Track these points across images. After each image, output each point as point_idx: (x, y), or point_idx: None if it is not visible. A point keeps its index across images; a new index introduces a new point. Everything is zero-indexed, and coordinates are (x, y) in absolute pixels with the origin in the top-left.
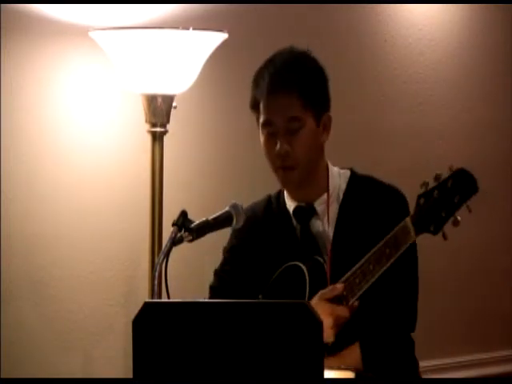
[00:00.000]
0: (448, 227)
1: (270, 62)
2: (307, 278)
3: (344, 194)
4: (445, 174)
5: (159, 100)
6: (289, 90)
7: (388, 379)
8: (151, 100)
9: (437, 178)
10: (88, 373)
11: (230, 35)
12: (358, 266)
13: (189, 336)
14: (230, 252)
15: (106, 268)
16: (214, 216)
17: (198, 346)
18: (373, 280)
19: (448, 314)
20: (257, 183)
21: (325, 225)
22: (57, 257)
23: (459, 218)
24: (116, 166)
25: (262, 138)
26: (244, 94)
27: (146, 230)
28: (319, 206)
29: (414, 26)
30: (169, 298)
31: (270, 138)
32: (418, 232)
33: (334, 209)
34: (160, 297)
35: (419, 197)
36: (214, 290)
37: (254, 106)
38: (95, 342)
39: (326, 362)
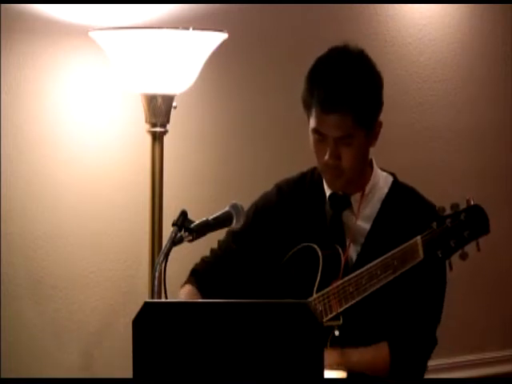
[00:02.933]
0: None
1: (325, 68)
2: (321, 264)
3: (386, 196)
4: (462, 204)
5: (159, 100)
6: (343, 111)
7: (387, 379)
8: (151, 100)
9: (453, 206)
10: (88, 373)
11: (229, 35)
12: (366, 268)
13: (189, 336)
14: (253, 216)
15: (106, 268)
16: (214, 216)
17: (197, 345)
18: (377, 286)
19: (448, 314)
20: (257, 183)
21: (355, 219)
22: (57, 257)
23: (468, 252)
24: (116, 166)
25: (311, 138)
26: (244, 94)
27: (146, 230)
28: (354, 200)
29: (414, 26)
30: (166, 297)
31: (320, 144)
32: (426, 253)
33: (373, 207)
34: (160, 297)
35: (433, 220)
36: (217, 256)
37: (306, 107)
38: (95, 342)
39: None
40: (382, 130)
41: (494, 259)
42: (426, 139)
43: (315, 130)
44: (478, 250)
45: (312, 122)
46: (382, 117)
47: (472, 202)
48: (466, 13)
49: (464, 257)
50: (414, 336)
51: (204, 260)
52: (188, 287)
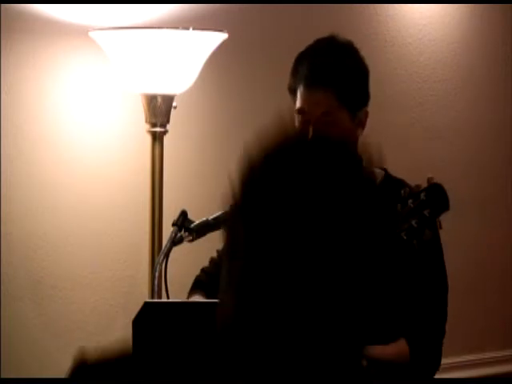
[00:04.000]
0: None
1: (310, 51)
2: None
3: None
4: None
5: (159, 100)
6: (325, 86)
7: (388, 379)
8: (151, 100)
9: (416, 187)
10: None
11: (229, 35)
12: None
13: (188, 336)
14: None
15: (106, 268)
16: (214, 216)
17: (197, 345)
18: None
19: (447, 314)
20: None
21: None
22: (57, 257)
23: (430, 233)
24: (116, 166)
25: (296, 122)
26: (243, 94)
27: (145, 230)
28: None
29: (414, 26)
30: (168, 297)
31: (303, 125)
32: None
33: None
34: (160, 297)
35: (397, 202)
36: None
37: (291, 91)
38: (95, 342)
39: None
40: (382, 130)
41: (493, 258)
42: (426, 139)
43: (298, 110)
44: (440, 227)
45: (297, 103)
46: (383, 116)
47: (433, 181)
48: (466, 13)
49: (427, 237)
50: (430, 332)
51: (205, 270)
52: (200, 292)
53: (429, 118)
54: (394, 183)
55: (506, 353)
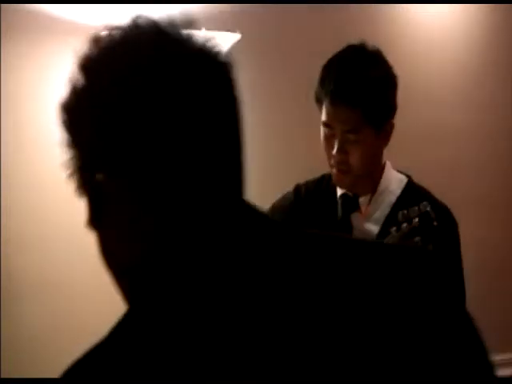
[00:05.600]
0: None
1: (337, 62)
2: None
3: (397, 199)
4: (416, 210)
5: None
6: (351, 104)
7: (390, 379)
8: None
9: (412, 211)
10: None
11: (242, 36)
12: None
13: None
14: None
15: None
16: None
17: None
18: None
19: None
20: (256, 183)
21: (363, 221)
22: (57, 257)
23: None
24: None
25: (321, 133)
26: (247, 96)
27: None
28: (363, 202)
29: (414, 27)
30: None
31: (328, 138)
32: None
33: (383, 210)
34: None
35: (391, 225)
36: None
37: (318, 101)
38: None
39: None
40: None
41: (493, 259)
42: (428, 139)
43: (324, 123)
44: (430, 250)
45: (322, 116)
46: None
47: (427, 208)
48: (466, 13)
49: None
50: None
51: None
52: None
53: (430, 118)
54: (414, 193)
55: (504, 357)
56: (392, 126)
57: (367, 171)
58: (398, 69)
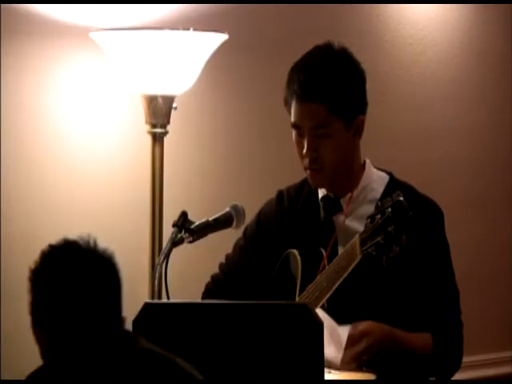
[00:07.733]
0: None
1: (303, 63)
2: (300, 268)
3: (381, 196)
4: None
5: (159, 101)
6: (316, 100)
7: (389, 380)
8: (151, 101)
9: (385, 202)
10: None
11: (230, 36)
12: (323, 273)
13: (189, 336)
14: (257, 228)
15: None
16: (215, 217)
17: (197, 346)
18: (334, 288)
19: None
20: (257, 184)
21: (344, 220)
22: None
23: (397, 249)
24: (116, 167)
25: (293, 136)
26: (244, 95)
27: (146, 231)
28: (344, 202)
29: (414, 26)
30: (168, 298)
31: (299, 139)
32: (363, 251)
33: (366, 208)
34: (160, 297)
35: (367, 217)
36: (222, 272)
37: (286, 104)
38: None
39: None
40: (382, 130)
41: (493, 259)
42: (426, 139)
43: (293, 125)
44: (403, 244)
45: (291, 117)
46: (383, 116)
47: (398, 198)
48: (466, 13)
49: (394, 253)
50: (453, 327)
51: (214, 279)
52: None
53: (428, 118)
54: (398, 188)
55: (503, 355)
56: (362, 122)
57: (342, 168)
58: (394, 67)
